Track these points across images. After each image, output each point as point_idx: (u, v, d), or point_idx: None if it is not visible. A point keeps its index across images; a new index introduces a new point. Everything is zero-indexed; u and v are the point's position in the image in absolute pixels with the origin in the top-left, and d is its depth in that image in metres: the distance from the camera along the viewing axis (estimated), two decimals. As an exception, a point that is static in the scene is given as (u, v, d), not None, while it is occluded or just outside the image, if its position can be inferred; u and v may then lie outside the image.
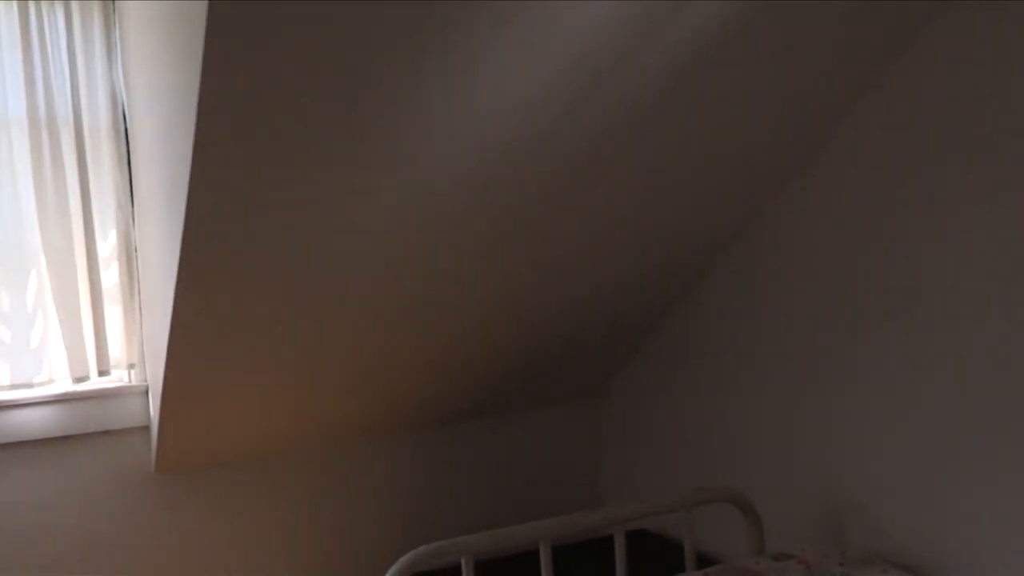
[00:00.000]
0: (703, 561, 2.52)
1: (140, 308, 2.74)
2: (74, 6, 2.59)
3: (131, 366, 2.79)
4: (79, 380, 2.68)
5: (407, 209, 2.17)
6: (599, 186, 2.33)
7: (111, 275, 2.73)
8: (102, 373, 2.71)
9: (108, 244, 2.72)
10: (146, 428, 2.80)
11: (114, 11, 2.65)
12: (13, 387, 2.65)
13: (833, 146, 2.35)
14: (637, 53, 1.95)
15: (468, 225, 2.30)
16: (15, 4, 2.52)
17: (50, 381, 2.68)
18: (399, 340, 2.63)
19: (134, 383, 2.79)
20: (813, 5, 1.97)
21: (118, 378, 2.79)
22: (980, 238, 2.01)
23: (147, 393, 2.79)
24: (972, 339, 2.05)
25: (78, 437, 2.73)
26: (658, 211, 2.52)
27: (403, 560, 2.10)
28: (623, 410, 3.29)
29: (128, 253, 2.74)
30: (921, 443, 2.19)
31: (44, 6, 2.54)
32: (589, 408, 3.40)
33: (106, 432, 2.76)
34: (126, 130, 2.71)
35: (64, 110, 2.60)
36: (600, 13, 1.82)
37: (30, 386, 2.66)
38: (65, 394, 2.70)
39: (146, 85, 2.41)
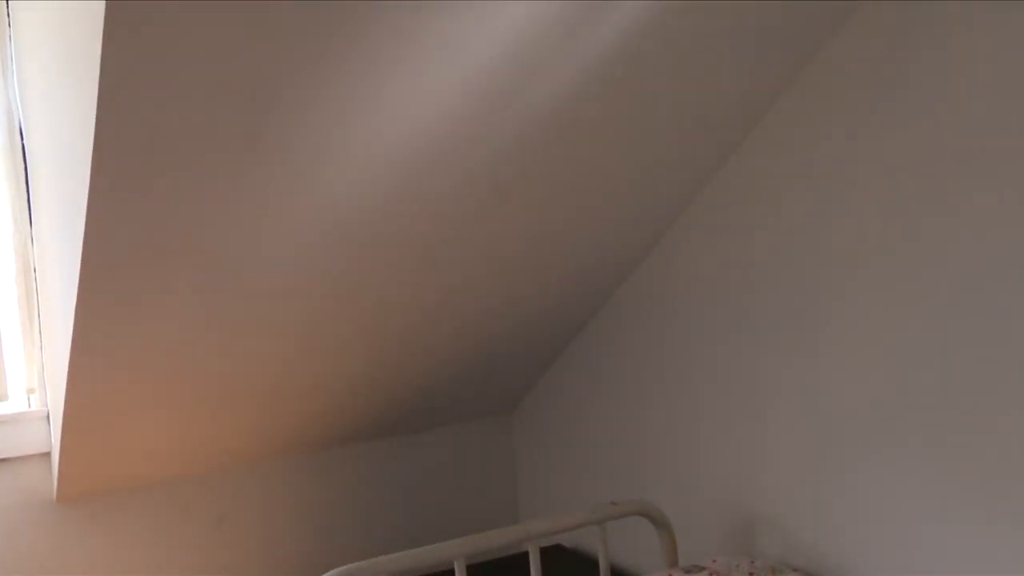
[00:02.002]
0: (617, 575, 2.53)
1: (40, 331, 2.65)
2: (-34, 18, 2.50)
3: (31, 391, 2.69)
4: (-26, 406, 2.58)
5: (309, 228, 2.15)
6: (503, 206, 2.33)
7: (8, 296, 2.63)
8: (-1, 399, 2.61)
9: (4, 264, 2.62)
10: (47, 455, 2.70)
11: (8, 23, 2.57)
12: (-98, 415, 2.53)
13: (734, 164, 2.40)
14: (537, 76, 1.97)
15: (375, 244, 2.28)
16: (-97, 16, 2.42)
17: (-57, 408, 2.58)
18: (306, 361, 2.59)
19: (34, 408, 2.70)
20: (706, 27, 2.02)
21: (17, 404, 2.69)
22: (882, 251, 2.08)
23: (47, 418, 2.69)
24: (871, 352, 2.12)
25: (-27, 466, 2.63)
26: (565, 233, 2.53)
27: (314, 584, 2.06)
28: (537, 426, 3.30)
29: (26, 273, 2.65)
30: (823, 453, 2.25)
31: (-66, 18, 2.46)
32: (503, 425, 3.40)
33: (4, 460, 2.66)
34: (23, 147, 2.62)
35: (-42, 126, 2.51)
36: (506, 35, 1.83)
37: (-80, 414, 2.55)
38: (-41, 421, 2.60)
39: (42, 99, 2.34)
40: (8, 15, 2.55)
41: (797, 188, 2.25)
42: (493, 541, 2.29)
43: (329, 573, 2.08)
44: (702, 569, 2.29)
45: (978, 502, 1.92)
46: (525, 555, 2.38)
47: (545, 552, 2.90)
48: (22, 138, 2.61)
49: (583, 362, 3.03)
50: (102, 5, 1.49)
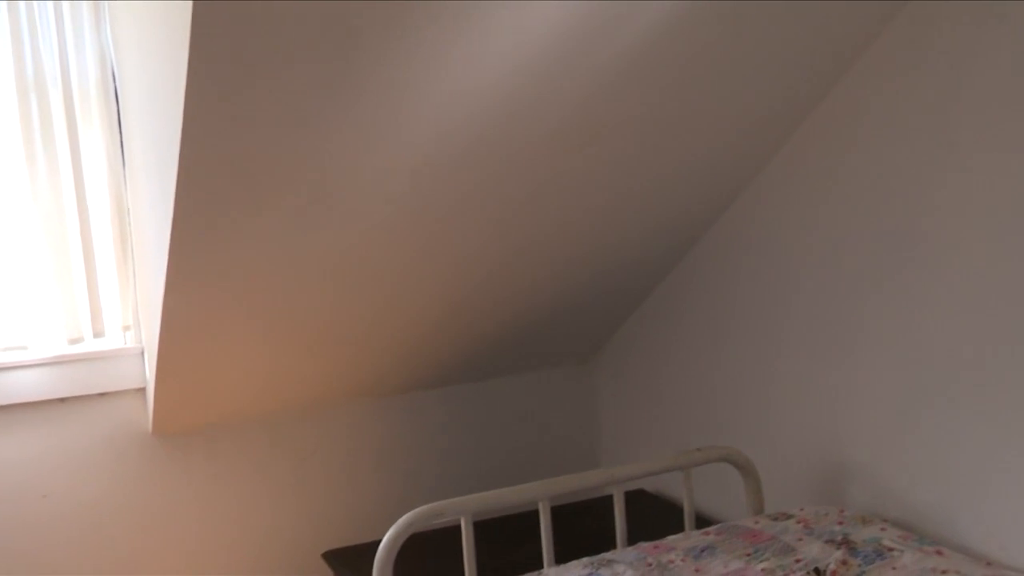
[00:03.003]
0: (701, 521, 2.52)
1: (134, 270, 2.71)
2: (60, -35, 2.54)
3: (126, 328, 2.77)
4: (74, 342, 2.66)
5: (400, 170, 2.15)
6: (588, 151, 2.30)
7: (104, 237, 2.70)
8: (97, 335, 2.69)
9: (100, 206, 2.69)
10: (142, 390, 2.79)
11: (101, -31, 2.60)
12: (7, 349, 2.63)
13: (820, 112, 2.32)
14: (624, 20, 1.92)
15: (459, 188, 2.28)
16: (0, -36, 2.47)
17: (44, 344, 2.66)
18: (394, 302, 2.61)
19: (129, 345, 2.78)
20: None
21: (113, 340, 2.77)
22: (976, 190, 1.99)
23: (143, 355, 2.77)
24: (969, 296, 2.04)
25: (74, 400, 2.72)
26: (652, 182, 2.49)
27: (402, 520, 2.09)
28: (618, 373, 3.28)
29: (120, 215, 2.71)
30: (920, 401, 2.18)
31: (29, -34, 2.50)
32: (585, 371, 3.39)
33: (102, 395, 2.75)
34: (116, 91, 2.67)
35: (53, 72, 2.56)
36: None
37: (24, 348, 2.65)
38: (60, 356, 2.69)
39: (135, 45, 2.37)
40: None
41: (895, 129, 2.16)
42: (577, 484, 2.30)
43: (418, 509, 2.11)
44: (789, 517, 2.26)
45: (1084, 455, 1.85)
46: (607, 499, 2.38)
47: (628, 497, 2.90)
48: (115, 82, 2.66)
49: (666, 309, 2.99)
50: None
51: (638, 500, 2.96)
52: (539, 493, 2.23)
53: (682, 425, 2.96)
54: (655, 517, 2.80)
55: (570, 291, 2.87)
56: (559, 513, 2.49)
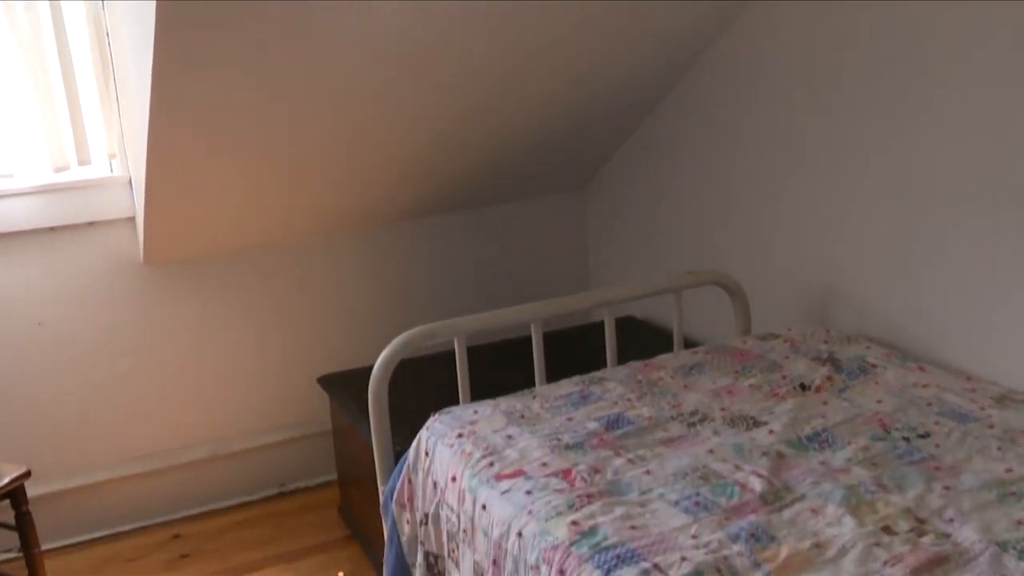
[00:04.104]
0: (691, 345, 2.57)
1: (117, 97, 2.65)
2: None
3: (112, 156, 2.73)
4: (59, 170, 2.62)
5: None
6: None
7: (84, 63, 2.62)
8: (82, 163, 2.65)
9: (78, 31, 2.60)
10: (131, 220, 2.78)
11: None
12: (-8, 178, 2.60)
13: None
14: None
15: (443, 12, 2.20)
16: None
17: (30, 172, 2.63)
18: (378, 130, 2.57)
19: (116, 174, 2.74)
20: None
21: (100, 169, 2.74)
22: (973, 25, 1.94)
23: (130, 184, 2.74)
24: (955, 125, 2.03)
25: (64, 228, 2.71)
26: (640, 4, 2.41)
27: (397, 340, 2.13)
28: (610, 201, 3.27)
29: (100, 40, 2.62)
30: (906, 225, 2.20)
31: None
32: (577, 199, 3.38)
33: (92, 224, 2.74)
34: (87, -97, 2.53)
35: None
36: None
37: (10, 177, 2.61)
38: (47, 185, 2.66)
39: None
40: None
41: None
42: (570, 306, 2.33)
43: (412, 331, 2.15)
44: (777, 337, 2.31)
45: (1069, 272, 1.88)
46: (598, 326, 2.42)
47: (618, 323, 2.94)
48: None
49: (659, 137, 2.96)
50: None
51: (628, 326, 3.02)
52: (531, 315, 2.26)
53: (672, 252, 2.98)
54: (645, 342, 2.86)
55: (562, 118, 2.83)
56: (551, 340, 2.53)
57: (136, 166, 2.60)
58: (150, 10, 1.92)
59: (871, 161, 2.26)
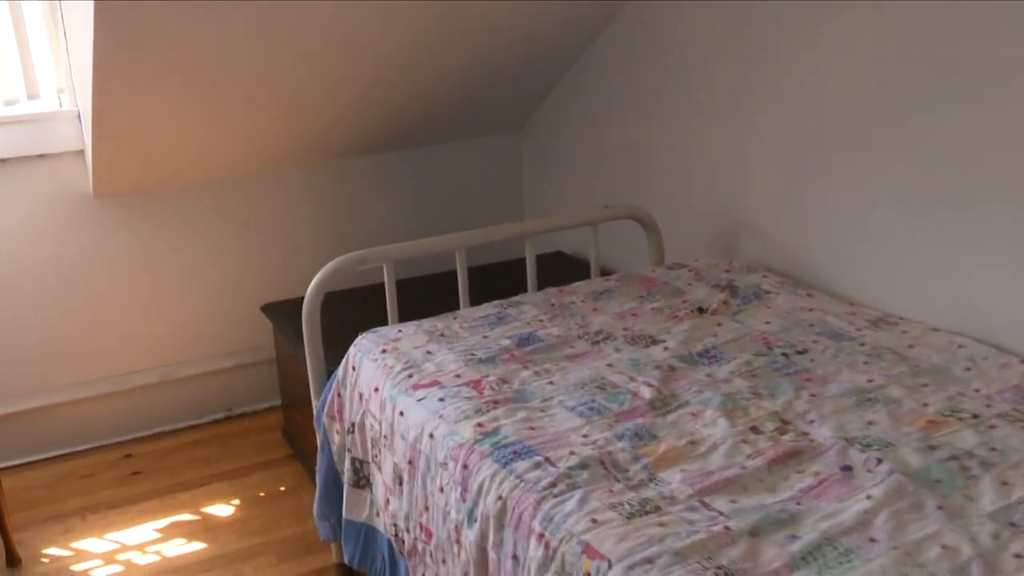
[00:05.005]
0: (608, 274, 2.75)
1: (64, 32, 2.75)
2: None
3: (61, 91, 2.83)
4: (9, 103, 2.73)
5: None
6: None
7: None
8: (31, 97, 2.75)
9: (25, -34, 2.69)
10: (81, 152, 2.89)
11: None
12: (-57, 110, 2.70)
13: None
14: None
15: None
16: None
17: (-19, 105, 2.73)
18: (322, 63, 2.68)
19: (65, 108, 2.85)
20: None
21: (49, 103, 2.84)
22: (874, -37, 2.11)
23: (79, 118, 2.85)
24: (851, 66, 2.19)
25: (14, 160, 2.82)
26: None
27: (328, 266, 2.29)
28: (543, 143, 3.43)
29: (47, -24, 2.72)
30: (805, 166, 2.38)
31: None
32: (512, 141, 3.53)
33: (42, 156, 2.85)
34: None
35: None
36: None
37: (-40, 109, 2.72)
38: (-3, 118, 2.77)
39: None
40: None
41: None
42: (493, 235, 2.48)
43: (343, 256, 2.30)
44: (683, 267, 2.50)
45: (941, 201, 2.07)
46: (524, 262, 2.56)
47: (546, 258, 3.12)
48: None
49: (588, 81, 3.11)
50: None
51: (556, 261, 3.19)
52: (456, 243, 2.42)
53: (599, 190, 3.14)
54: (569, 275, 3.01)
55: (494, 57, 2.95)
56: (482, 274, 2.69)
57: (83, 100, 2.71)
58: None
59: (770, 109, 2.44)
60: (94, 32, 2.26)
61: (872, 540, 1.40)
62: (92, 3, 2.17)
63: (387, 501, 2.02)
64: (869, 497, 1.50)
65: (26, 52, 2.71)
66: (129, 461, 3.02)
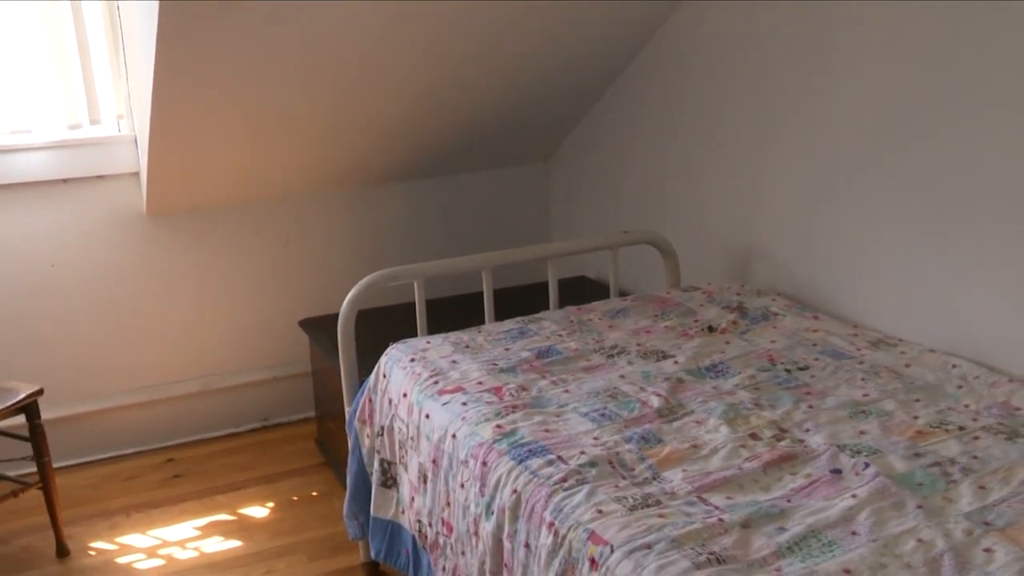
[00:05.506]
0: (625, 295, 2.89)
1: (125, 62, 2.96)
2: None
3: (120, 117, 3.04)
4: (73, 128, 2.94)
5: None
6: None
7: (95, 28, 2.93)
8: (93, 122, 2.96)
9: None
10: (136, 175, 3.09)
11: None
12: (14, 132, 2.91)
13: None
14: None
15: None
16: None
17: (46, 129, 2.94)
18: (361, 96, 2.87)
19: (124, 133, 3.06)
20: None
21: (109, 128, 3.05)
22: (870, 14, 2.25)
23: (135, 142, 3.05)
24: (865, 101, 2.34)
25: (75, 181, 3.03)
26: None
27: (363, 281, 2.45)
28: (569, 173, 3.59)
29: (110, 8, 2.93)
30: (816, 195, 2.52)
31: None
32: (540, 171, 3.71)
33: (100, 177, 3.06)
34: None
35: None
36: None
37: (29, 132, 2.93)
38: (61, 141, 2.97)
39: None
40: None
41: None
42: (518, 256, 2.63)
43: (374, 273, 2.46)
44: (697, 289, 2.64)
45: (939, 230, 2.20)
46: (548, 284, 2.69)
47: (570, 281, 3.27)
48: None
49: (611, 115, 3.28)
50: None
51: (580, 285, 3.34)
52: (483, 263, 2.57)
53: (622, 216, 3.30)
54: (591, 297, 3.16)
55: (524, 91, 3.13)
56: (505, 295, 2.83)
57: (140, 126, 2.91)
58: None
59: (781, 144, 2.59)
60: (155, 65, 2.46)
61: (854, 533, 1.52)
62: (154, 40, 2.37)
63: (412, 499, 2.17)
64: (854, 496, 1.62)
65: (90, 81, 2.93)
66: (171, 465, 3.20)
